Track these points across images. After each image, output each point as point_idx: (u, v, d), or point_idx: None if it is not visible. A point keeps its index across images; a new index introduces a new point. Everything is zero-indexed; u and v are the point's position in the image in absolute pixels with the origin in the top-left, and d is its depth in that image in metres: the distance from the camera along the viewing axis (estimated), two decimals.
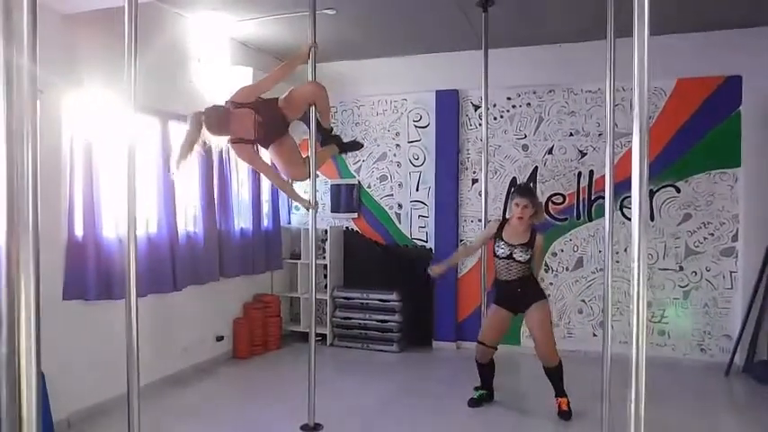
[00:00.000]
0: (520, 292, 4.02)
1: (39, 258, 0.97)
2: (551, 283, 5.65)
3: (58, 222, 3.76)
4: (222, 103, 3.56)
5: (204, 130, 3.42)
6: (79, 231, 3.88)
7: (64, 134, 3.78)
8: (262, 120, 3.54)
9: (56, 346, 3.46)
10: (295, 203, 6.58)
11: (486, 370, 4.25)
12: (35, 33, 1.02)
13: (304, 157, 3.90)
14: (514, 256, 3.99)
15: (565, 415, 3.95)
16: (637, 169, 1.31)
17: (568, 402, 3.99)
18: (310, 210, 3.88)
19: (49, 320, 3.38)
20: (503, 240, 4.05)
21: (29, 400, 0.95)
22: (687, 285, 5.31)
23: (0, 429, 0.95)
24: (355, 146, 4.43)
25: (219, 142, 3.55)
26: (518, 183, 5.70)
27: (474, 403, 4.23)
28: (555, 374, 4.02)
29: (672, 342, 5.34)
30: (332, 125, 4.17)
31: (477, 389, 4.30)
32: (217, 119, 3.43)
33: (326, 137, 4.05)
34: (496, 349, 4.21)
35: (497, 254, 4.06)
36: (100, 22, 3.79)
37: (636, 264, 1.33)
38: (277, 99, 3.70)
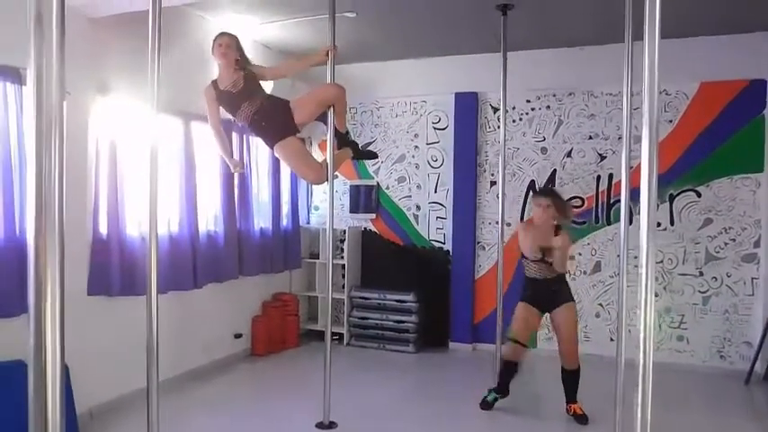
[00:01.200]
0: (554, 291, 4.00)
1: (64, 255, 1.02)
2: None
3: (83, 220, 3.86)
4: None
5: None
6: (104, 229, 3.98)
7: (90, 135, 3.89)
8: (264, 114, 3.64)
9: (80, 339, 3.55)
10: (314, 204, 6.68)
11: (513, 370, 4.17)
12: (63, 37, 1.07)
13: (320, 160, 3.95)
14: (546, 258, 3.97)
15: (581, 419, 3.95)
16: (645, 177, 1.33)
17: (581, 407, 3.99)
18: (328, 210, 3.94)
19: (73, 315, 3.46)
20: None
21: (53, 390, 1.00)
22: (707, 291, 5.24)
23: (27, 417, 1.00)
24: (370, 155, 4.47)
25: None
26: (537, 186, 5.70)
27: (486, 405, 4.21)
28: (571, 379, 4.01)
29: (691, 348, 5.28)
30: (347, 128, 4.20)
31: (491, 391, 4.26)
32: (225, 42, 3.63)
33: (342, 140, 4.07)
34: (527, 346, 4.16)
35: (529, 257, 4.05)
36: (126, 26, 3.89)
37: (644, 270, 1.34)
38: (288, 101, 3.74)
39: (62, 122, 1.04)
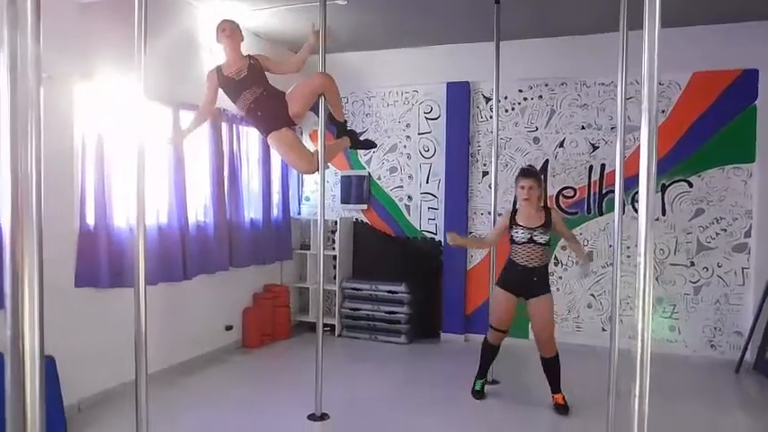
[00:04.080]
0: (535, 281, 3.96)
1: (42, 245, 0.98)
2: (560, 277, 5.63)
3: (70, 211, 3.79)
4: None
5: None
6: (91, 220, 3.91)
7: (76, 123, 3.81)
8: (261, 104, 3.67)
9: (67, 332, 3.50)
10: (305, 194, 6.63)
11: (493, 353, 4.22)
12: (39, 16, 1.01)
13: (313, 150, 3.91)
14: (535, 239, 3.93)
15: (561, 409, 3.96)
16: (645, 165, 1.30)
17: (564, 397, 4.00)
18: (319, 201, 3.90)
19: (61, 307, 3.40)
20: (520, 226, 3.99)
21: (32, 382, 0.96)
22: (698, 281, 5.26)
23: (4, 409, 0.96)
24: (369, 145, 4.43)
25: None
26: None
27: (478, 395, 4.24)
28: (552, 367, 4.00)
29: (682, 338, 5.30)
30: (345, 118, 4.17)
31: (477, 379, 4.28)
32: (228, 26, 3.72)
33: (341, 130, 4.04)
34: (508, 331, 4.17)
35: (516, 240, 3.99)
36: (115, 11, 3.81)
37: (642, 258, 1.32)
38: (284, 93, 3.77)
39: (39, 107, 0.99)
